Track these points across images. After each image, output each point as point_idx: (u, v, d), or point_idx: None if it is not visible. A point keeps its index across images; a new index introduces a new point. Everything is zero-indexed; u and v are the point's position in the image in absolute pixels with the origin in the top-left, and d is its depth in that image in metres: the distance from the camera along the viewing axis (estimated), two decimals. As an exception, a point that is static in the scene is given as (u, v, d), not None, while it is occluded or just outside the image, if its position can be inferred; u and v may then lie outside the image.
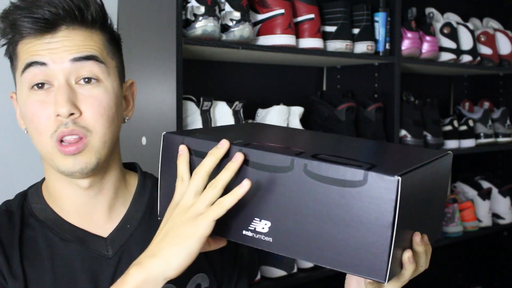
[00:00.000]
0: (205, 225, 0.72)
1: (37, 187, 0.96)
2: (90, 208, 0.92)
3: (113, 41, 0.92)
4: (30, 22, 0.84)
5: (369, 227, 0.68)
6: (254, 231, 0.75)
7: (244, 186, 0.72)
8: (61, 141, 0.84)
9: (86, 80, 0.86)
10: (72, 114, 0.83)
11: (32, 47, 0.85)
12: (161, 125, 1.54)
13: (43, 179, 0.96)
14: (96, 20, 0.88)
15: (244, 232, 0.76)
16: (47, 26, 0.84)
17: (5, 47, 0.90)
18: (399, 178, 0.66)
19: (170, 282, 0.75)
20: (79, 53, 0.85)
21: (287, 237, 0.72)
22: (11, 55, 0.89)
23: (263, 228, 0.74)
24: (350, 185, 0.68)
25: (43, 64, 0.84)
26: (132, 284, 0.72)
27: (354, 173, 0.68)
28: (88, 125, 0.85)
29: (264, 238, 0.74)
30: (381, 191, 0.67)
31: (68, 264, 0.87)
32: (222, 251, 0.89)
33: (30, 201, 0.93)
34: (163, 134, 0.82)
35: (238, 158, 0.74)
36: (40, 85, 0.85)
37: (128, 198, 0.96)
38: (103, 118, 0.86)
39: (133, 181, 0.99)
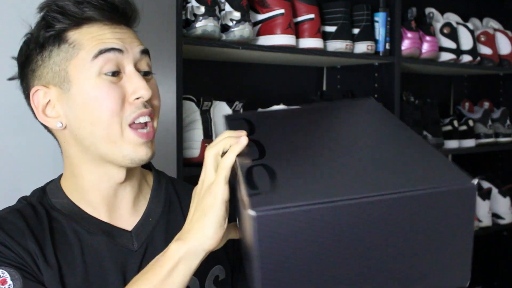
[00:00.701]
0: (219, 189, 0.74)
1: (55, 182, 0.96)
2: (118, 201, 0.94)
3: None
4: (102, 8, 0.88)
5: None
6: None
7: (241, 142, 0.75)
8: (130, 125, 0.87)
9: (144, 73, 0.91)
10: (149, 99, 0.89)
11: (102, 35, 0.88)
12: (161, 124, 1.53)
13: (60, 176, 0.97)
14: (138, 22, 0.95)
15: None
16: (117, 17, 0.90)
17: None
18: (256, 214, 0.61)
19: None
20: (143, 46, 0.91)
21: None
22: (55, 43, 0.88)
23: None
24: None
25: (119, 51, 0.88)
26: (175, 258, 0.75)
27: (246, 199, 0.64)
28: (156, 110, 0.92)
29: None
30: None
31: (97, 255, 0.89)
32: (236, 243, 0.90)
33: (50, 197, 0.94)
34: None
35: (242, 142, 0.76)
36: (113, 72, 0.87)
37: (148, 193, 0.98)
38: (158, 110, 0.93)
39: (149, 177, 1.01)
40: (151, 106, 0.90)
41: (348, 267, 0.64)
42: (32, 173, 1.22)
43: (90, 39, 0.87)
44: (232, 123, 0.85)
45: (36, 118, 0.94)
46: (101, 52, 0.86)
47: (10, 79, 0.97)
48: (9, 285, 0.81)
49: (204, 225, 0.74)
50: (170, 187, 1.01)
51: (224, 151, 0.77)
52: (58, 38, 0.88)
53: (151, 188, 0.99)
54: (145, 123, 0.89)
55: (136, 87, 0.87)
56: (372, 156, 0.74)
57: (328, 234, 0.62)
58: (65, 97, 0.89)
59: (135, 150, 0.88)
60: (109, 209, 0.93)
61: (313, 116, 0.91)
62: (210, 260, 0.77)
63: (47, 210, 0.91)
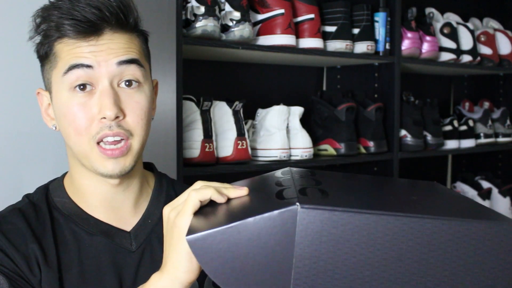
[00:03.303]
0: (183, 221, 0.71)
1: (59, 181, 0.97)
2: (118, 203, 0.94)
3: (147, 44, 0.95)
4: (74, 24, 0.85)
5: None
6: None
7: (241, 189, 0.74)
8: (99, 142, 0.86)
9: (127, 83, 0.88)
10: (117, 117, 0.86)
11: (76, 49, 0.86)
12: (161, 124, 1.54)
13: (65, 174, 0.98)
14: (137, 24, 0.91)
15: None
16: (93, 29, 0.85)
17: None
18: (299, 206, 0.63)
19: None
20: (124, 57, 0.87)
21: None
22: (47, 53, 0.89)
23: None
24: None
25: (88, 66, 0.85)
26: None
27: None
28: (131, 128, 0.88)
29: None
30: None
31: (94, 256, 0.90)
32: None
33: (52, 195, 0.94)
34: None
35: (243, 191, 0.74)
36: (82, 86, 0.86)
37: (149, 195, 0.99)
38: (143, 122, 0.89)
39: (151, 179, 1.01)
40: (125, 124, 0.87)
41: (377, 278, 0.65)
42: (33, 172, 1.22)
43: (67, 51, 0.87)
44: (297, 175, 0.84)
45: None
46: (70, 68, 0.86)
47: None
48: None
49: (176, 260, 0.72)
50: (170, 189, 1.01)
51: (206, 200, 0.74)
52: (50, 48, 0.89)
53: (152, 190, 1.00)
54: (119, 140, 0.87)
55: (102, 106, 0.85)
56: (424, 202, 0.77)
57: (365, 244, 0.64)
58: (52, 105, 0.92)
59: (103, 165, 0.87)
60: (108, 210, 0.94)
61: (372, 181, 0.95)
62: None
63: (49, 209, 0.92)
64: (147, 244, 0.93)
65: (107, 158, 0.87)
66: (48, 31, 0.87)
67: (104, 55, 0.86)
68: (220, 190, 0.74)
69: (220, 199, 0.73)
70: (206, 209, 0.74)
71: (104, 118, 0.85)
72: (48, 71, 0.90)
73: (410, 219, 0.63)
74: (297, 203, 0.63)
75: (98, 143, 0.86)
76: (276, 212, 0.64)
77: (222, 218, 0.70)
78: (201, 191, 0.73)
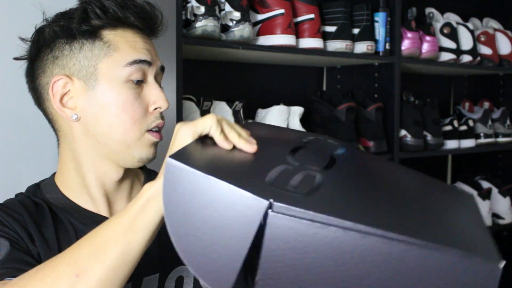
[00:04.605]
0: (182, 133, 0.74)
1: (49, 179, 0.98)
2: (114, 196, 0.97)
3: None
4: (141, 17, 0.93)
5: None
6: None
7: (251, 145, 0.74)
8: (147, 130, 0.92)
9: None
10: None
11: (135, 43, 0.92)
12: (161, 125, 1.54)
13: (53, 175, 0.98)
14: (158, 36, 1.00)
15: None
16: (150, 28, 0.96)
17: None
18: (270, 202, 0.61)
19: (156, 270, 0.84)
20: (161, 63, 0.97)
21: None
22: (92, 36, 0.90)
23: None
24: None
25: (149, 64, 0.93)
26: (146, 196, 0.74)
27: None
28: None
29: None
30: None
31: None
32: None
33: (44, 192, 0.95)
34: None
35: (250, 148, 0.75)
36: (137, 81, 0.91)
37: (139, 190, 0.99)
38: None
39: (141, 174, 1.04)
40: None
41: None
42: (31, 173, 1.23)
43: (125, 43, 0.91)
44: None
45: (38, 105, 0.95)
46: (136, 62, 0.90)
47: (17, 58, 0.97)
48: None
49: None
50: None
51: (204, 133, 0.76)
52: (93, 34, 0.90)
53: (142, 184, 1.02)
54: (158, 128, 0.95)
55: (156, 98, 0.93)
56: (420, 205, 0.73)
57: (329, 258, 0.60)
58: (88, 93, 0.90)
59: (147, 150, 0.93)
60: (108, 204, 0.96)
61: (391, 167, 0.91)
62: (175, 258, 0.77)
63: (45, 202, 0.93)
64: None
65: (152, 144, 0.93)
66: (97, 16, 0.89)
67: (154, 55, 0.95)
68: (229, 136, 0.75)
69: (222, 145, 0.74)
70: (209, 142, 0.74)
71: (159, 108, 0.93)
72: (92, 58, 0.90)
73: (378, 239, 0.59)
74: (271, 200, 0.61)
75: (147, 131, 0.92)
76: (249, 195, 0.62)
77: (210, 163, 0.69)
78: (209, 125, 0.74)
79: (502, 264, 0.60)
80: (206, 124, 0.75)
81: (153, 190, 0.73)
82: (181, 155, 0.67)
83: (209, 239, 0.64)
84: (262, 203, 0.61)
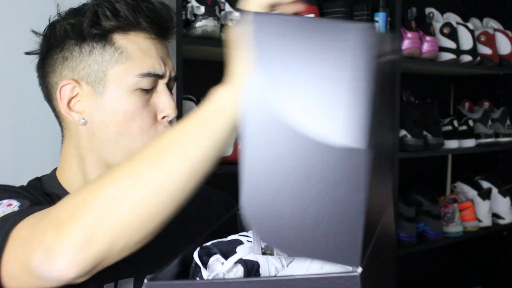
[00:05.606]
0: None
1: (51, 174, 0.97)
2: None
3: None
4: (153, 21, 0.89)
5: None
6: None
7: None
8: None
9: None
10: None
11: (150, 51, 0.89)
12: (161, 125, 1.54)
13: (54, 170, 0.97)
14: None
15: None
16: (163, 32, 0.91)
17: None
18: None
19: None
20: (175, 72, 0.94)
21: None
22: (102, 40, 0.87)
23: None
24: None
25: (161, 76, 0.90)
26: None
27: None
28: None
29: None
30: None
31: None
32: None
33: (45, 186, 0.95)
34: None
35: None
36: (147, 90, 0.89)
37: None
38: None
39: None
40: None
41: None
42: (31, 171, 1.23)
43: (138, 51, 0.88)
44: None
45: (48, 100, 0.93)
46: (150, 75, 0.88)
47: (28, 53, 0.95)
48: (14, 206, 0.80)
49: (239, 66, 0.74)
50: None
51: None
52: (104, 38, 0.87)
53: None
54: None
55: (165, 106, 0.90)
56: None
57: None
58: (96, 99, 0.88)
59: None
60: None
61: None
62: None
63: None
64: None
65: None
66: (107, 18, 0.86)
67: (168, 64, 0.91)
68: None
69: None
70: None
71: (167, 116, 0.90)
72: (102, 63, 0.88)
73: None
74: None
75: None
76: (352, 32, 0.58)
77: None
78: None
79: (359, 271, 0.55)
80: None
81: (224, 96, 0.73)
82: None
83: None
84: None
